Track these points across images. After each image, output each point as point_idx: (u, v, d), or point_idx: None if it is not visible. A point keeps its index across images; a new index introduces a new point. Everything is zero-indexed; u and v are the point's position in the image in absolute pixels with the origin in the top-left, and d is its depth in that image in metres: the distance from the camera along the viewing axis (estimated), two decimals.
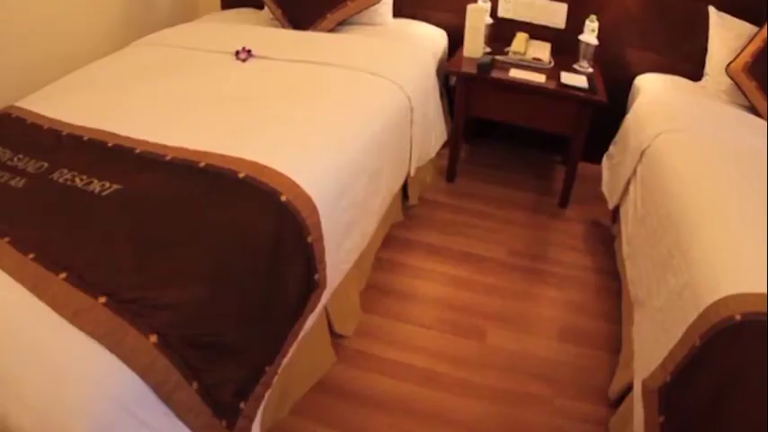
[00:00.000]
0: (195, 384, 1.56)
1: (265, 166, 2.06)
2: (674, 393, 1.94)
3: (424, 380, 2.57)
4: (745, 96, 3.55)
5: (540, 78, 3.65)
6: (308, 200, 2.04)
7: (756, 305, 1.84)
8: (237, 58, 3.04)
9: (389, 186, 2.96)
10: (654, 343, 2.22)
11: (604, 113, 3.69)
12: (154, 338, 1.49)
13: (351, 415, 2.38)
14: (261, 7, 3.92)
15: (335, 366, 2.56)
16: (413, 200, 3.66)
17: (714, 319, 1.86)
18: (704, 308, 1.92)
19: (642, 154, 3.12)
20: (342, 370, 2.55)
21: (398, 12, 4.15)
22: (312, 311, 2.13)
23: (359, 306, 2.81)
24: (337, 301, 2.52)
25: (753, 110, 3.54)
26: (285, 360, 2.00)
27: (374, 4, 3.81)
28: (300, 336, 2.08)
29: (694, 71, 3.93)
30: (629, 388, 2.34)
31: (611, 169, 3.62)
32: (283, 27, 3.72)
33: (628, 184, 3.27)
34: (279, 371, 1.96)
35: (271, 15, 3.81)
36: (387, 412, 2.41)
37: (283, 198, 1.97)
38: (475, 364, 2.68)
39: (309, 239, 2.03)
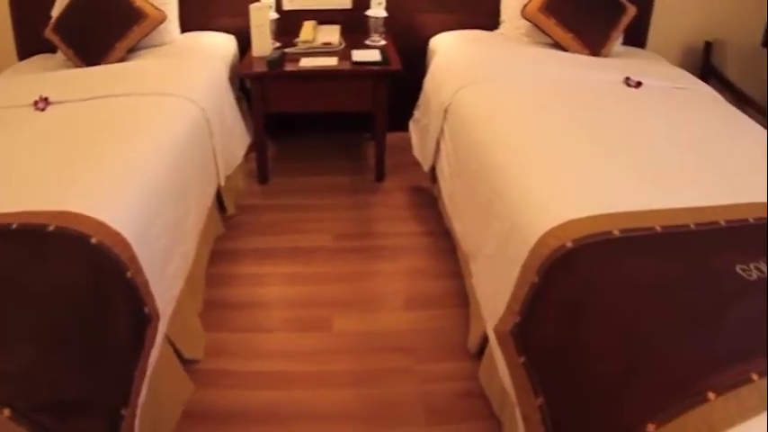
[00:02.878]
0: None
1: (72, 213, 2.05)
2: (526, 332, 2.07)
3: (283, 382, 2.61)
4: (546, 34, 3.76)
5: (331, 62, 3.78)
6: (118, 236, 2.05)
7: (583, 229, 2.00)
8: (36, 108, 2.98)
9: (200, 202, 3.01)
10: (495, 289, 2.34)
11: (406, 81, 3.86)
12: (7, 412, 1.50)
13: None
14: (55, 51, 3.84)
15: (196, 392, 2.55)
16: (230, 209, 3.70)
17: (546, 253, 2.00)
18: (533, 244, 2.06)
19: (446, 112, 3.29)
20: (203, 394, 2.55)
21: (187, 26, 4.16)
22: (153, 345, 2.14)
23: (201, 327, 2.83)
24: (178, 328, 2.53)
25: (556, 45, 3.76)
26: (141, 399, 2.01)
27: (160, 24, 3.79)
28: (149, 372, 2.10)
29: (491, 22, 4.19)
30: (487, 338, 2.43)
31: (419, 133, 3.77)
32: (77, 66, 3.66)
33: (438, 143, 3.42)
34: (137, 412, 1.97)
35: (64, 57, 3.74)
36: (255, 424, 2.44)
37: (94, 240, 1.98)
38: (328, 355, 2.76)
39: (129, 275, 2.04)
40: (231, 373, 2.67)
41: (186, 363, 2.63)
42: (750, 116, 3.12)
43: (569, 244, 1.96)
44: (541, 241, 2.04)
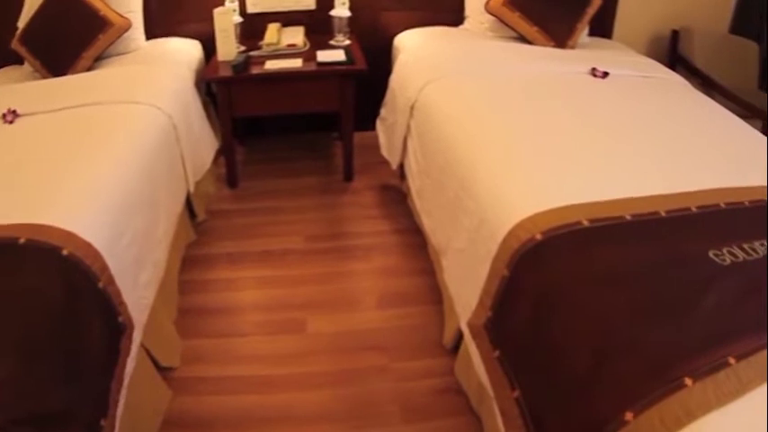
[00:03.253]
0: None
1: (44, 225, 2.05)
2: (500, 325, 2.08)
3: (261, 386, 2.61)
4: (511, 28, 3.78)
5: (296, 63, 3.78)
6: (89, 246, 2.05)
7: (552, 221, 2.01)
8: (5, 121, 2.95)
9: (170, 209, 3.00)
10: (466, 283, 2.35)
11: (372, 80, 3.87)
12: None
13: None
14: (22, 62, 3.81)
15: (175, 400, 2.54)
16: (201, 215, 3.69)
17: (515, 245, 2.01)
18: (503, 237, 2.07)
19: (412, 109, 3.29)
20: (182, 401, 2.55)
21: (152, 33, 4.13)
22: (128, 354, 2.14)
23: (176, 335, 2.82)
24: (153, 336, 2.52)
25: (522, 39, 3.81)
26: (119, 410, 2.01)
27: (125, 32, 3.76)
28: (126, 381, 2.10)
29: (455, 18, 4.21)
30: (462, 333, 2.43)
31: (387, 131, 3.78)
32: (44, 77, 3.63)
33: (405, 141, 3.43)
34: (117, 423, 1.97)
35: (32, 68, 3.72)
36: (234, 429, 2.44)
37: (65, 252, 1.97)
38: (304, 356, 2.76)
39: (101, 285, 2.04)
40: (208, 379, 2.67)
41: (163, 370, 2.62)
42: (719, 102, 3.16)
43: (538, 236, 1.97)
44: (511, 234, 2.04)
